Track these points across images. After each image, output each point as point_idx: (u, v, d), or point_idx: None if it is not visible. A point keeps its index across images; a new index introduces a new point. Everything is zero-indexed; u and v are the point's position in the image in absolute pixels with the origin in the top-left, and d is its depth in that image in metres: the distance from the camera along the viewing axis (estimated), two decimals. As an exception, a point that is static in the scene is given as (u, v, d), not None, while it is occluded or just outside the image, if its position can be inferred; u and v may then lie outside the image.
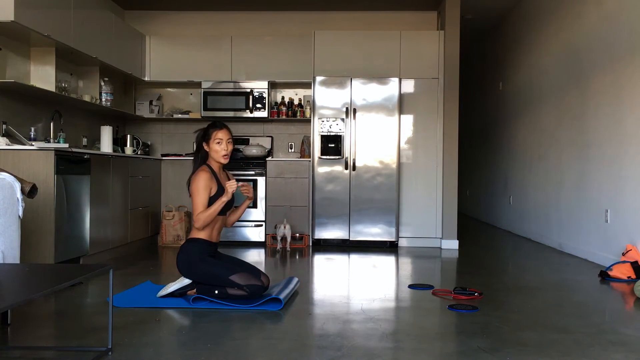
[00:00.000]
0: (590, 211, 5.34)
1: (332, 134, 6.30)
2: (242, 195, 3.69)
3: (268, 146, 6.94)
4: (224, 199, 3.50)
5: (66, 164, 4.39)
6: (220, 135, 3.59)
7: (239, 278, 3.43)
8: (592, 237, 5.30)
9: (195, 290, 3.51)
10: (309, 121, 6.79)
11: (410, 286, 4.06)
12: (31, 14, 4.37)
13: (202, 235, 3.55)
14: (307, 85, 6.84)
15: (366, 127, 6.30)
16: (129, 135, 6.43)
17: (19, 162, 4.16)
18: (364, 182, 6.29)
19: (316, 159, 6.31)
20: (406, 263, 5.32)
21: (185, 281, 3.53)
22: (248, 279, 3.44)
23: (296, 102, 7.06)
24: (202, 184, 3.49)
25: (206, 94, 6.73)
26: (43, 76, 5.00)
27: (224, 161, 3.63)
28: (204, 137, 3.62)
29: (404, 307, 3.48)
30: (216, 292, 3.43)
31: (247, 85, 6.75)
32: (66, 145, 4.84)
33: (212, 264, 3.49)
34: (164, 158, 6.58)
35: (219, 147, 3.58)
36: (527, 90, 7.29)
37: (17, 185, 3.08)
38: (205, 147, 3.61)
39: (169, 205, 6.42)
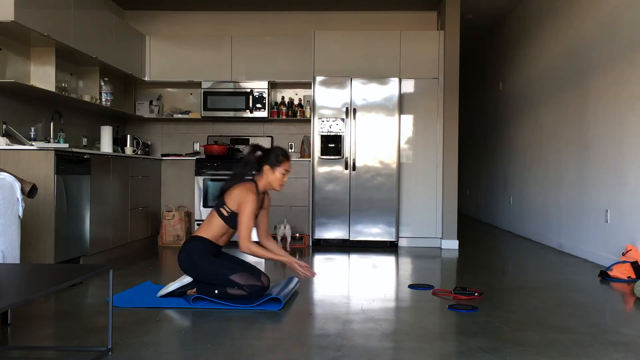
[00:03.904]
0: (590, 211, 5.34)
1: (332, 134, 6.30)
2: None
3: (268, 146, 6.93)
4: (283, 260, 3.61)
5: (66, 164, 4.39)
6: (289, 167, 3.66)
7: (239, 278, 3.43)
8: (592, 237, 5.30)
9: (195, 289, 3.51)
10: (309, 121, 6.79)
11: (410, 286, 4.06)
12: (31, 14, 4.37)
13: (208, 236, 3.54)
14: (307, 85, 6.84)
15: (366, 127, 6.30)
16: (129, 135, 6.43)
17: (19, 162, 4.16)
18: (364, 182, 6.29)
19: (316, 159, 6.31)
20: (406, 263, 5.32)
21: (186, 280, 3.53)
22: (248, 279, 3.44)
23: (296, 102, 7.06)
24: (252, 207, 3.49)
25: (206, 94, 6.73)
26: (43, 76, 5.01)
27: (280, 190, 3.69)
28: (272, 161, 3.60)
29: (404, 307, 3.48)
30: (216, 291, 3.43)
31: (247, 85, 6.75)
32: (66, 145, 4.84)
33: (213, 262, 3.49)
34: (164, 158, 6.58)
35: (282, 177, 3.63)
36: (527, 90, 7.29)
37: (17, 185, 3.08)
38: (267, 170, 3.61)
39: (169, 205, 6.42)
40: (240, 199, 3.50)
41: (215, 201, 3.62)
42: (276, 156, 3.62)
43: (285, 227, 5.99)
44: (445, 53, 6.40)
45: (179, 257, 3.56)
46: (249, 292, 3.41)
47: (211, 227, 3.56)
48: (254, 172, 3.65)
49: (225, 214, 3.53)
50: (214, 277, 3.46)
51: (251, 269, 3.58)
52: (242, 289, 3.42)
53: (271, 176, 3.62)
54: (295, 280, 3.93)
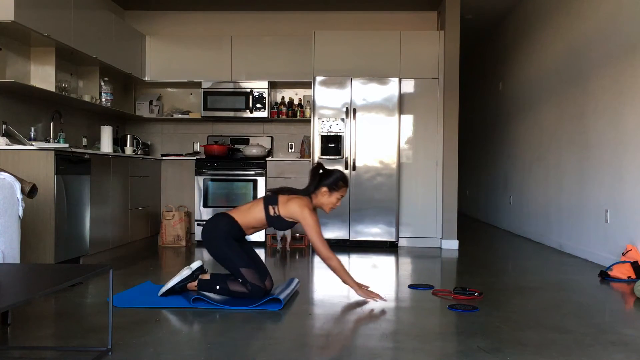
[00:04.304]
0: (590, 211, 5.34)
1: (332, 134, 6.30)
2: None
3: (268, 146, 6.95)
4: (356, 289, 3.58)
5: (66, 164, 4.39)
6: (345, 193, 3.67)
7: (247, 273, 3.42)
8: (592, 237, 5.30)
9: (196, 282, 3.49)
10: (309, 121, 6.79)
11: (410, 286, 4.06)
12: (31, 14, 4.37)
13: (240, 220, 3.52)
14: (307, 85, 6.84)
15: (366, 127, 6.30)
16: (129, 135, 6.43)
17: (19, 162, 4.16)
18: (364, 182, 6.29)
19: (316, 159, 6.31)
20: (406, 263, 5.32)
21: (185, 273, 3.51)
22: (254, 277, 3.43)
23: (296, 102, 7.06)
24: (315, 221, 3.50)
25: (206, 94, 6.73)
26: (43, 76, 5.01)
27: (328, 212, 3.70)
28: (331, 184, 3.60)
29: (404, 307, 3.48)
30: (217, 287, 3.42)
31: (247, 85, 6.75)
32: (66, 145, 4.84)
33: (232, 248, 3.47)
34: (164, 158, 6.58)
35: (336, 202, 3.64)
36: (527, 90, 7.29)
37: (17, 185, 3.08)
38: (324, 191, 3.60)
39: (168, 205, 6.42)
40: (300, 213, 3.49)
41: (267, 193, 3.63)
42: (336, 180, 3.61)
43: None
44: (445, 53, 6.40)
45: (205, 227, 3.55)
46: (250, 291, 3.41)
47: (249, 215, 3.54)
48: (312, 190, 3.64)
49: (272, 213, 3.52)
50: (226, 260, 3.46)
51: (261, 270, 3.55)
52: (245, 285, 3.41)
53: (326, 199, 3.61)
54: (296, 281, 3.93)
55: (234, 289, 3.42)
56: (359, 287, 3.57)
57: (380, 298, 3.53)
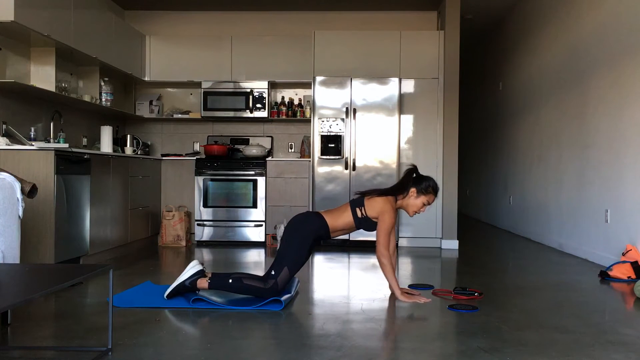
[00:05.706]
0: (590, 211, 5.34)
1: (332, 134, 6.30)
2: None
3: (268, 146, 6.95)
4: (396, 291, 3.57)
5: (66, 164, 4.39)
6: (432, 201, 3.72)
7: (286, 273, 3.42)
8: (592, 237, 5.30)
9: (207, 278, 3.43)
10: (309, 121, 6.79)
11: (410, 286, 4.06)
12: (31, 14, 4.37)
13: (330, 223, 3.57)
14: (307, 85, 6.84)
15: (366, 127, 6.30)
16: (129, 135, 6.43)
17: (19, 162, 4.16)
18: (364, 182, 6.28)
19: (316, 159, 6.31)
20: (406, 263, 5.32)
21: (197, 267, 3.47)
22: (284, 280, 3.42)
23: (296, 102, 7.06)
24: (392, 217, 3.56)
25: (206, 94, 6.74)
26: (43, 76, 5.01)
27: (412, 216, 3.79)
28: (422, 187, 3.66)
29: (404, 307, 3.48)
30: (230, 280, 3.40)
31: (247, 85, 6.75)
32: (66, 145, 4.84)
33: (303, 249, 3.49)
34: (164, 158, 6.58)
35: (422, 207, 3.69)
36: (527, 90, 7.29)
37: (17, 185, 3.08)
38: (413, 193, 3.66)
39: (168, 205, 6.42)
40: (381, 209, 3.57)
41: (355, 196, 3.72)
42: (427, 186, 3.67)
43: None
44: (445, 53, 6.40)
45: (297, 218, 3.60)
46: (268, 288, 3.37)
47: (339, 218, 3.61)
48: (400, 190, 3.69)
49: (359, 215, 3.59)
50: (286, 252, 3.47)
51: (294, 276, 3.57)
52: (267, 280, 3.39)
53: (413, 201, 3.67)
54: (296, 280, 3.93)
55: (248, 283, 3.41)
56: (402, 293, 3.57)
57: (425, 300, 3.53)
